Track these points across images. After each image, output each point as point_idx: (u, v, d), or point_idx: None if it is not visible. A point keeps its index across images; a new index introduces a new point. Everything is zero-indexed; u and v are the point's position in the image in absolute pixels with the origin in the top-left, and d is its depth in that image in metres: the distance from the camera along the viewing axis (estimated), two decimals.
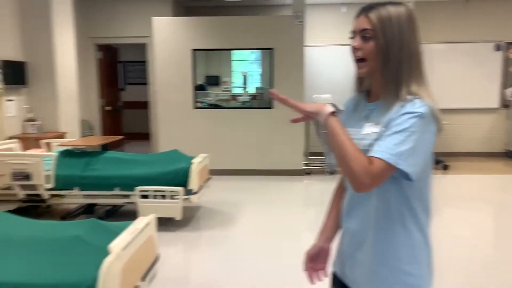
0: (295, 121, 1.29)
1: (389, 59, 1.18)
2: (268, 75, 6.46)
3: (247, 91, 6.97)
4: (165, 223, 4.00)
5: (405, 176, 1.13)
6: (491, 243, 3.96)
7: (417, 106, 1.14)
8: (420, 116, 1.12)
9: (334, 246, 1.45)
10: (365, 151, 1.15)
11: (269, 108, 6.39)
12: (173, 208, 3.96)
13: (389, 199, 1.22)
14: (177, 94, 6.47)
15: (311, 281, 1.49)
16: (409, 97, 1.16)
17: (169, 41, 6.39)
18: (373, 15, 1.19)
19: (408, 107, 1.14)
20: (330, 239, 1.46)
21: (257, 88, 6.97)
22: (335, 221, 1.46)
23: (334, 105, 1.21)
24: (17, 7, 5.48)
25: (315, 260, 1.47)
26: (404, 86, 1.18)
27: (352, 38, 1.24)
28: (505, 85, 7.58)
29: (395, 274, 1.23)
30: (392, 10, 1.19)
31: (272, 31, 6.29)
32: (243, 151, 6.49)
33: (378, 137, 1.16)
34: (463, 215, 4.70)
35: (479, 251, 3.68)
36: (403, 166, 1.11)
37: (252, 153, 6.48)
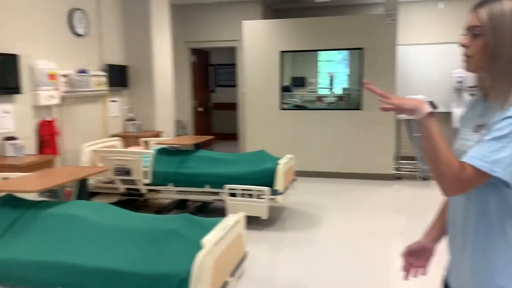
0: (385, 109, 1.24)
1: (497, 58, 1.11)
2: (356, 76, 6.30)
3: (334, 92, 6.86)
4: (251, 222, 4.08)
5: (504, 183, 1.07)
6: None
7: None
8: None
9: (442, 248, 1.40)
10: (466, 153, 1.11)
11: (357, 109, 6.23)
12: (259, 207, 4.03)
13: (488, 205, 1.15)
14: (264, 96, 6.57)
15: (406, 275, 1.46)
16: None
17: (258, 43, 6.51)
18: (484, 11, 1.12)
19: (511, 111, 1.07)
20: (435, 240, 1.43)
21: (344, 89, 6.84)
22: (443, 223, 1.41)
23: (432, 104, 1.16)
24: (121, 17, 5.96)
25: (415, 256, 1.44)
26: None
27: (464, 35, 1.18)
28: None
29: (488, 285, 1.15)
30: (507, 5, 1.10)
31: (362, 31, 6.13)
32: (329, 153, 6.40)
33: (480, 140, 1.11)
34: None
35: None
36: (500, 174, 1.05)
37: (339, 156, 6.36)
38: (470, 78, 6.72)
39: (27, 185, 2.85)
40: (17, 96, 4.18)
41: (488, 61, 1.13)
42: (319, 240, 3.98)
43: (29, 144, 4.29)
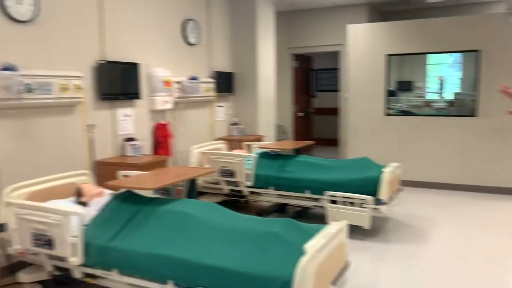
0: None
1: None
2: (471, 80, 5.82)
3: (444, 97, 6.42)
4: (352, 231, 3.98)
5: None
6: None
7: None
8: None
9: None
10: None
11: (472, 116, 5.75)
12: (361, 217, 3.92)
13: None
14: (368, 100, 6.38)
15: None
16: None
17: (363, 47, 6.35)
18: None
19: None
20: None
21: (455, 94, 6.37)
22: None
23: None
24: (229, 26, 6.24)
25: None
26: None
27: None
28: None
29: None
30: None
31: (479, 31, 5.65)
32: (439, 163, 5.99)
33: None
34: None
35: None
36: None
37: (450, 166, 5.92)
38: None
39: (145, 183, 3.11)
40: (137, 101, 4.60)
41: None
42: (426, 256, 3.74)
43: (145, 145, 4.68)
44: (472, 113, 5.75)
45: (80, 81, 3.81)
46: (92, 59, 4.05)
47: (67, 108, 3.81)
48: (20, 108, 3.39)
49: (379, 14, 7.82)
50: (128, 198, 3.01)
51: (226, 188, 4.64)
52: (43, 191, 3.21)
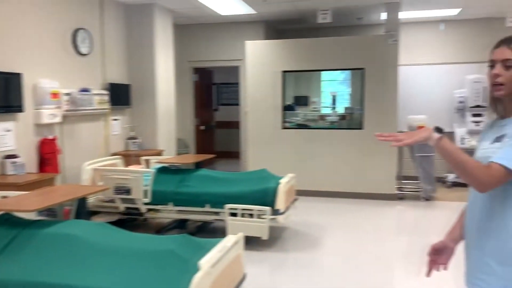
0: (384, 140, 1.36)
1: None
2: (359, 95, 6.31)
3: (336, 111, 6.87)
4: (251, 242, 4.03)
5: None
6: None
7: None
8: None
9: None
10: (489, 159, 1.30)
11: (359, 129, 6.22)
12: (260, 228, 3.98)
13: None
14: (267, 114, 6.59)
15: (428, 272, 1.62)
16: None
17: (260, 63, 6.55)
18: None
19: None
20: (456, 240, 1.59)
21: (346, 108, 6.85)
22: (462, 227, 1.56)
23: (438, 129, 1.31)
24: (125, 36, 6.03)
25: (438, 254, 1.61)
26: None
27: (491, 66, 1.41)
28: None
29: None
30: None
31: (363, 51, 6.16)
32: (331, 173, 6.36)
33: (502, 146, 1.32)
34: None
35: None
36: None
37: (341, 175, 6.32)
38: (471, 98, 6.73)
39: (25, 204, 2.83)
40: (19, 114, 4.20)
41: None
42: (321, 262, 3.92)
43: (30, 162, 4.28)
44: (359, 126, 6.22)
45: None
46: None
47: None
48: None
49: (275, 32, 8.14)
50: (5, 222, 2.70)
51: (122, 206, 4.42)
52: None
